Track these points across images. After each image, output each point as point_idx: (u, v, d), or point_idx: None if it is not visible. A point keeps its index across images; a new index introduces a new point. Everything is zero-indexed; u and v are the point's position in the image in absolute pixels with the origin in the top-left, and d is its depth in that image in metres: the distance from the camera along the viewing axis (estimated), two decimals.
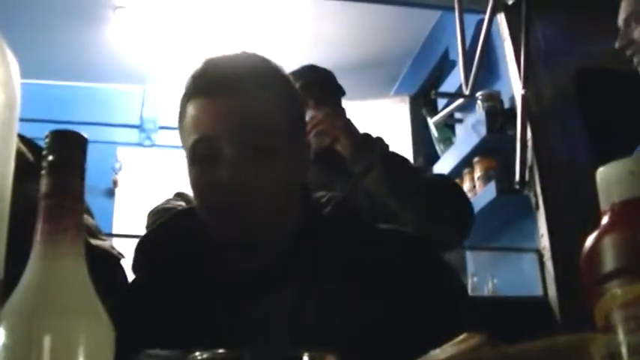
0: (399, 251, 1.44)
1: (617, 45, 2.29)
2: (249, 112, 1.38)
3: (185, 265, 1.44)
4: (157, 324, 1.37)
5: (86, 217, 1.88)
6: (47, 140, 0.75)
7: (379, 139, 2.50)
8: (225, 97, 1.38)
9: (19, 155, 1.75)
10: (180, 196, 2.73)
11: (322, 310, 1.32)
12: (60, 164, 0.74)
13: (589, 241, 0.74)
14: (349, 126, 2.54)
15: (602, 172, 0.75)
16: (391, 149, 2.51)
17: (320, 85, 2.69)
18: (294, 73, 2.70)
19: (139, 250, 1.52)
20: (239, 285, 1.38)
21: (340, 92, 2.82)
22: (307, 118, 2.50)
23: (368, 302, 1.33)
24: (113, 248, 1.88)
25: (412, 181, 2.44)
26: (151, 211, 2.77)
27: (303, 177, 1.52)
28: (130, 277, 1.78)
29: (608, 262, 0.71)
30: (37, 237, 0.72)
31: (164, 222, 1.57)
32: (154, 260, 1.50)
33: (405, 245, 1.48)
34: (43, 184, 0.73)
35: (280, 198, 1.40)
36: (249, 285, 1.37)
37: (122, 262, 1.88)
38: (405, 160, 2.54)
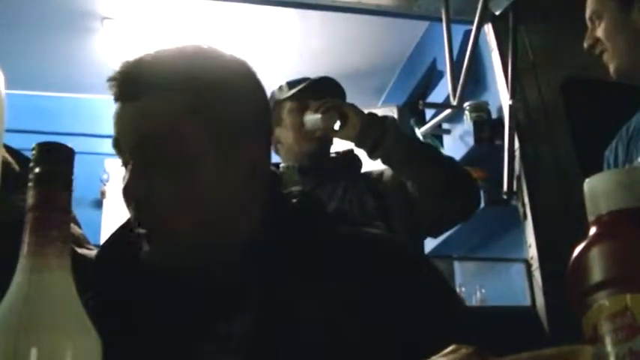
0: (384, 258, 1.30)
1: (584, 44, 2.31)
2: (148, 120, 1.24)
3: (138, 280, 1.29)
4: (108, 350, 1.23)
5: (73, 226, 1.88)
6: (34, 152, 0.75)
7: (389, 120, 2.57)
8: (131, 102, 1.26)
9: (5, 166, 1.75)
10: None
11: (281, 334, 1.19)
12: (47, 177, 0.74)
13: (576, 252, 0.74)
14: (357, 107, 2.61)
15: (589, 183, 0.75)
16: None
17: (321, 88, 2.72)
18: (298, 81, 2.76)
19: (96, 259, 1.40)
20: (192, 310, 1.26)
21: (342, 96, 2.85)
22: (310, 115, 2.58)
23: (336, 327, 1.18)
24: None
25: (429, 149, 2.52)
26: None
27: (243, 193, 1.28)
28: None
29: (596, 274, 0.71)
30: (24, 250, 0.71)
31: (114, 233, 1.42)
32: (109, 270, 1.36)
33: (389, 251, 1.34)
34: (30, 197, 0.73)
35: (200, 219, 1.23)
36: (202, 310, 1.26)
37: None
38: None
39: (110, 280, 1.34)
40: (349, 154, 2.79)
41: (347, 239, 1.34)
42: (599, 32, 2.27)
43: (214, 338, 1.23)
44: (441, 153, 2.67)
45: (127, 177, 1.26)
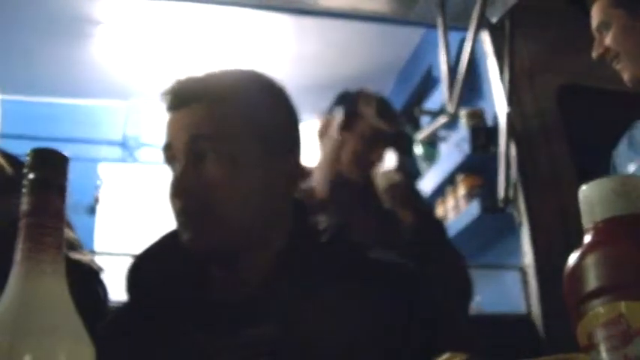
0: (393, 286, 1.43)
1: (593, 55, 2.31)
2: (201, 122, 1.41)
3: (170, 290, 1.45)
4: (140, 349, 1.38)
5: (67, 230, 1.87)
6: (29, 158, 0.75)
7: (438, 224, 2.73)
8: (182, 109, 1.42)
9: None
10: None
11: (305, 344, 1.31)
12: (41, 183, 0.74)
13: (572, 259, 0.74)
14: (418, 202, 2.80)
15: (584, 191, 0.75)
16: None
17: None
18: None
19: (128, 273, 1.51)
20: (222, 314, 1.39)
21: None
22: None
23: (354, 337, 1.32)
24: (93, 262, 1.88)
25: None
26: None
27: (280, 199, 1.47)
28: (113, 292, 1.79)
29: (591, 281, 0.71)
30: (18, 256, 0.71)
31: (154, 243, 1.55)
32: (143, 283, 1.49)
33: (399, 279, 1.46)
34: (24, 203, 0.73)
35: (242, 208, 1.40)
36: (232, 313, 1.38)
37: (102, 276, 1.87)
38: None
39: (143, 287, 1.49)
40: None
41: (364, 263, 1.47)
42: (609, 41, 2.26)
43: (239, 343, 1.34)
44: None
45: (177, 170, 1.41)
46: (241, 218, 1.40)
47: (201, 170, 1.38)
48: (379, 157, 2.78)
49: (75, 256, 1.78)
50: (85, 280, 1.77)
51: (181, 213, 1.41)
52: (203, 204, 1.38)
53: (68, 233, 1.88)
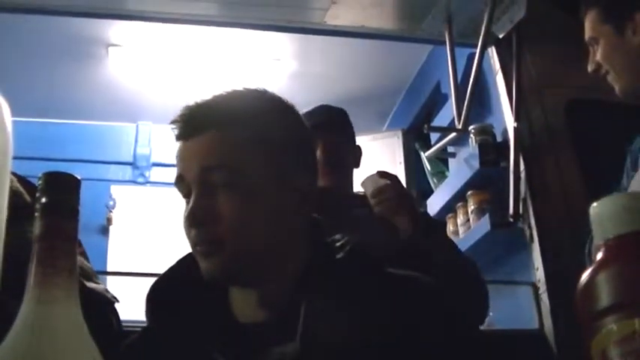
0: (413, 301, 1.44)
1: (589, 69, 2.33)
2: (212, 152, 1.41)
3: (191, 313, 1.47)
4: None
5: (82, 259, 1.88)
6: (40, 182, 0.75)
7: (440, 225, 2.62)
8: (191, 139, 1.43)
9: (17, 196, 1.75)
10: None
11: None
12: (53, 206, 0.74)
13: (584, 276, 0.73)
14: (412, 206, 2.62)
15: (595, 208, 0.75)
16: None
17: (327, 125, 2.72)
18: (308, 114, 2.78)
19: (148, 297, 1.53)
20: (245, 335, 1.42)
21: (349, 134, 2.86)
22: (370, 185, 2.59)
23: (375, 354, 1.33)
24: (107, 292, 1.88)
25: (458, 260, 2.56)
26: None
27: (294, 220, 1.48)
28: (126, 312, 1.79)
29: (604, 298, 0.71)
30: (31, 280, 0.71)
31: (174, 267, 1.56)
32: (162, 307, 1.51)
33: (419, 294, 1.47)
34: (37, 227, 0.73)
35: (256, 236, 1.42)
36: (252, 335, 1.41)
37: (116, 305, 1.88)
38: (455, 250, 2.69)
39: (164, 310, 1.50)
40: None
41: (383, 279, 1.48)
42: (598, 56, 2.29)
43: None
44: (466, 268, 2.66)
45: (191, 202, 1.41)
46: (255, 247, 1.41)
47: (214, 201, 1.39)
48: None
49: (89, 285, 1.78)
50: (98, 310, 1.78)
51: (197, 243, 1.42)
52: (217, 235, 1.39)
53: (83, 262, 1.89)
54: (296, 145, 1.52)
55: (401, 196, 2.59)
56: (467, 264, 2.60)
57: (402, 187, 2.68)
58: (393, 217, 2.55)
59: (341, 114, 2.89)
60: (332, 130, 2.72)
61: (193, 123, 1.44)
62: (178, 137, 1.45)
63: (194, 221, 1.40)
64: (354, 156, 2.86)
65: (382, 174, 2.63)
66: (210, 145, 1.42)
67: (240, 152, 1.42)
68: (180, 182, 1.45)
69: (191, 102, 1.47)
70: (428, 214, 2.70)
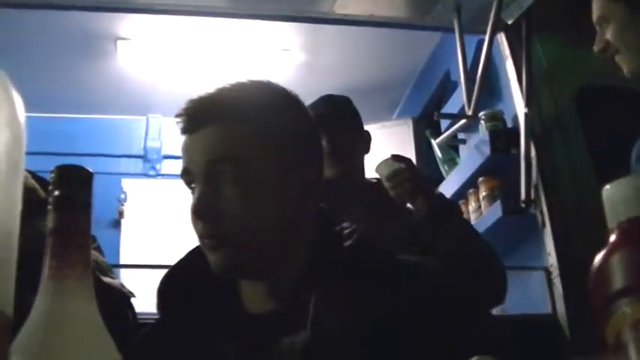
0: (419, 287, 1.46)
1: (595, 48, 2.31)
2: (216, 145, 1.42)
3: (201, 304, 1.48)
4: None
5: (97, 254, 1.89)
6: (53, 175, 0.75)
7: (454, 207, 2.64)
8: (196, 133, 1.44)
9: (31, 191, 1.76)
10: None
11: (337, 349, 1.34)
12: (66, 200, 0.74)
13: (597, 259, 0.73)
14: (427, 187, 2.63)
15: (607, 190, 0.75)
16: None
17: (332, 117, 2.71)
18: (310, 106, 2.76)
19: (159, 290, 1.54)
20: (252, 325, 1.43)
21: (355, 121, 2.85)
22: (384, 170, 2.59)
23: (384, 342, 1.34)
24: (123, 286, 1.89)
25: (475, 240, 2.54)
26: None
27: (300, 212, 1.47)
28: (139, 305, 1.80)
29: (617, 281, 0.70)
30: (45, 273, 0.71)
31: (183, 259, 1.57)
32: (173, 299, 1.52)
33: (425, 281, 1.50)
34: (50, 220, 0.73)
35: (261, 229, 1.42)
36: (262, 325, 1.42)
37: (132, 300, 1.89)
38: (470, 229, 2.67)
39: (175, 303, 1.51)
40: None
41: (389, 266, 1.49)
42: (609, 35, 2.26)
43: (275, 352, 1.36)
44: (482, 245, 2.62)
45: (196, 196, 1.42)
46: (261, 239, 1.42)
47: (219, 193, 1.40)
48: None
49: (105, 279, 1.79)
50: (115, 304, 1.79)
51: (203, 236, 1.43)
52: (222, 229, 1.40)
53: (98, 257, 1.90)
54: (301, 137, 1.52)
55: (415, 178, 2.59)
56: (482, 249, 2.58)
57: (416, 169, 2.69)
58: (409, 199, 2.56)
59: (344, 102, 2.89)
60: (336, 120, 2.72)
61: (197, 116, 1.44)
62: (183, 131, 1.46)
63: (199, 215, 1.41)
64: (363, 142, 2.86)
65: (396, 157, 2.63)
66: (214, 138, 1.42)
67: (243, 145, 1.42)
68: (186, 175, 1.46)
69: (195, 96, 1.48)
70: (443, 195, 2.68)
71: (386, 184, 2.59)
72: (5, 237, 0.57)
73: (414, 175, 2.60)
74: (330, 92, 2.86)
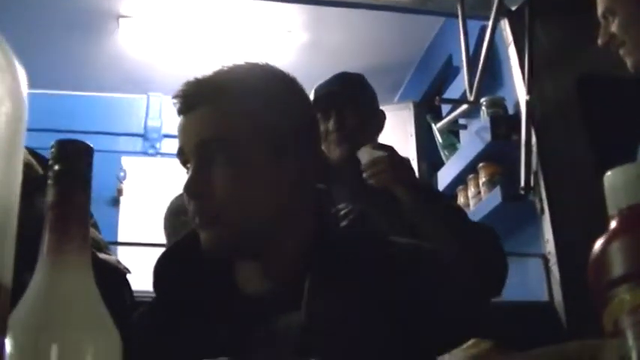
0: (413, 270, 1.45)
1: (599, 42, 2.30)
2: (208, 126, 1.44)
3: (197, 284, 1.49)
4: (168, 343, 1.43)
5: (93, 231, 1.89)
6: (53, 150, 0.75)
7: (441, 196, 2.56)
8: (190, 113, 1.46)
9: (29, 168, 1.76)
10: None
11: (331, 330, 1.35)
12: (65, 174, 0.74)
13: (597, 246, 0.73)
14: (409, 176, 2.61)
15: (609, 177, 0.75)
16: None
17: (342, 94, 2.70)
18: (324, 83, 2.75)
19: (155, 269, 1.55)
20: (247, 306, 1.44)
21: (366, 98, 2.83)
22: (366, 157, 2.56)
23: (378, 323, 1.36)
24: (119, 263, 1.89)
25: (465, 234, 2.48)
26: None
27: (294, 192, 1.47)
28: (137, 283, 1.80)
29: (616, 267, 0.71)
30: (44, 247, 0.71)
31: (180, 239, 1.58)
32: (169, 279, 1.54)
33: (421, 263, 1.48)
34: (50, 194, 0.73)
35: (251, 210, 1.42)
36: (257, 306, 1.42)
37: (128, 276, 1.89)
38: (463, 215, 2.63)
39: (171, 282, 1.53)
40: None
41: (385, 248, 1.50)
42: (614, 28, 2.25)
43: (270, 333, 1.37)
44: (468, 228, 2.58)
45: (188, 175, 1.43)
46: (251, 219, 1.42)
47: (211, 173, 1.41)
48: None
49: (101, 255, 1.79)
50: (111, 281, 1.78)
51: (195, 215, 1.44)
52: (213, 208, 1.41)
53: (94, 234, 1.90)
54: (295, 118, 1.52)
55: (395, 168, 2.56)
56: (475, 235, 2.53)
57: (398, 158, 2.62)
58: (387, 188, 2.53)
59: (355, 79, 2.85)
60: (345, 97, 2.69)
61: (192, 98, 1.46)
62: (179, 112, 1.48)
63: (190, 193, 1.43)
64: (377, 121, 2.83)
65: (377, 145, 2.61)
66: (206, 118, 1.44)
67: (235, 126, 1.43)
68: (181, 155, 1.47)
69: (192, 77, 1.49)
70: (431, 185, 2.66)
71: (364, 172, 2.56)
72: (5, 206, 0.57)
73: (393, 164, 2.56)
74: (332, 74, 2.83)
